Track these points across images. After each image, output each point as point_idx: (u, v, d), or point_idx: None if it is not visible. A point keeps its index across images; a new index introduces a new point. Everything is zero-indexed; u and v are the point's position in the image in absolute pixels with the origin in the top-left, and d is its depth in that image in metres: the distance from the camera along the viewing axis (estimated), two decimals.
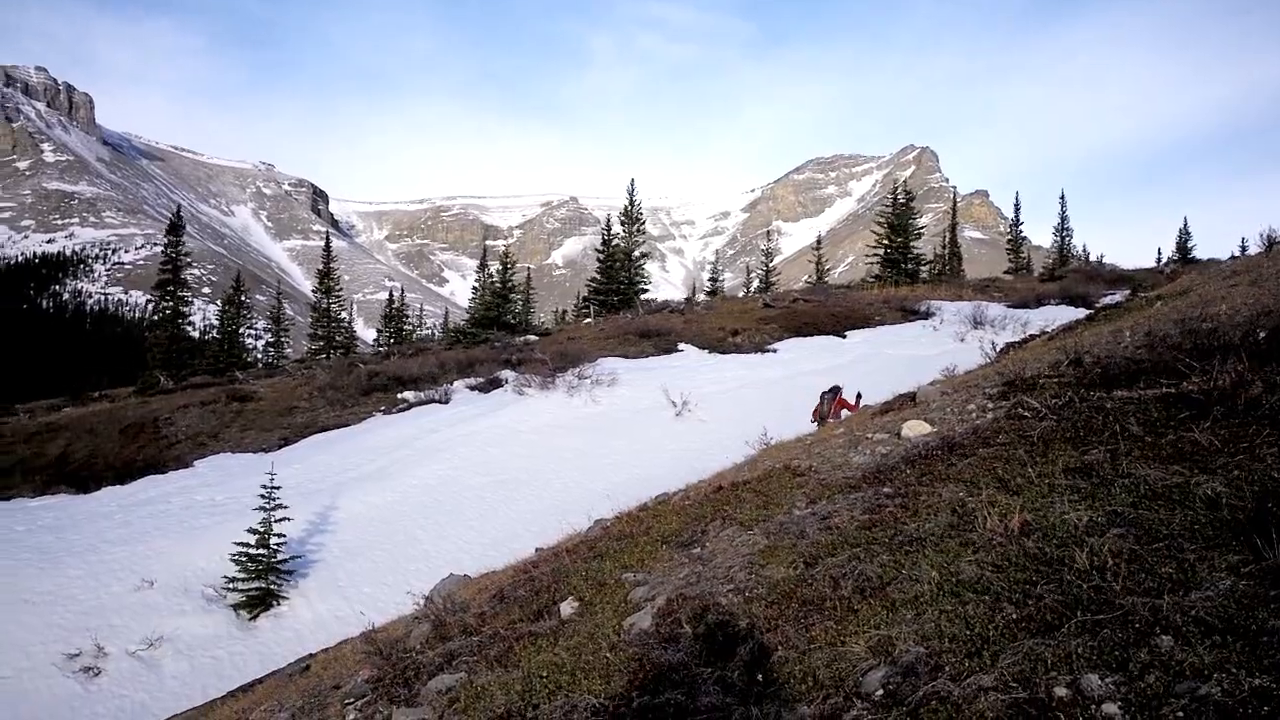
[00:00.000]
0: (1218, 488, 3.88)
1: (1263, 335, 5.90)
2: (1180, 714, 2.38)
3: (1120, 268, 49.88)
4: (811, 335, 31.64)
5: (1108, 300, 24.56)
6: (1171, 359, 6.01)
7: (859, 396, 13.51)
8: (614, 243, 50.02)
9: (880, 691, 3.07)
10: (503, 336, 37.20)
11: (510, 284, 43.65)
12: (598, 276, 50.40)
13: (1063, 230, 62.27)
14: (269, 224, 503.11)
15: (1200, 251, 57.88)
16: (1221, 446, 4.40)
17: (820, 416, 13.59)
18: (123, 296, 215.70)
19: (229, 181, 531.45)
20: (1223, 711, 2.33)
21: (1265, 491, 3.74)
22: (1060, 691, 2.67)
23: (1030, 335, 15.45)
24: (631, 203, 50.73)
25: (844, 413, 13.08)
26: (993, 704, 2.71)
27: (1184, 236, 59.95)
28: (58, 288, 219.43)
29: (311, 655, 10.03)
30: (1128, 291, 26.29)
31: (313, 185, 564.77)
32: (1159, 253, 65.84)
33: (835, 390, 14.16)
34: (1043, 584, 3.47)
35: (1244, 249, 40.99)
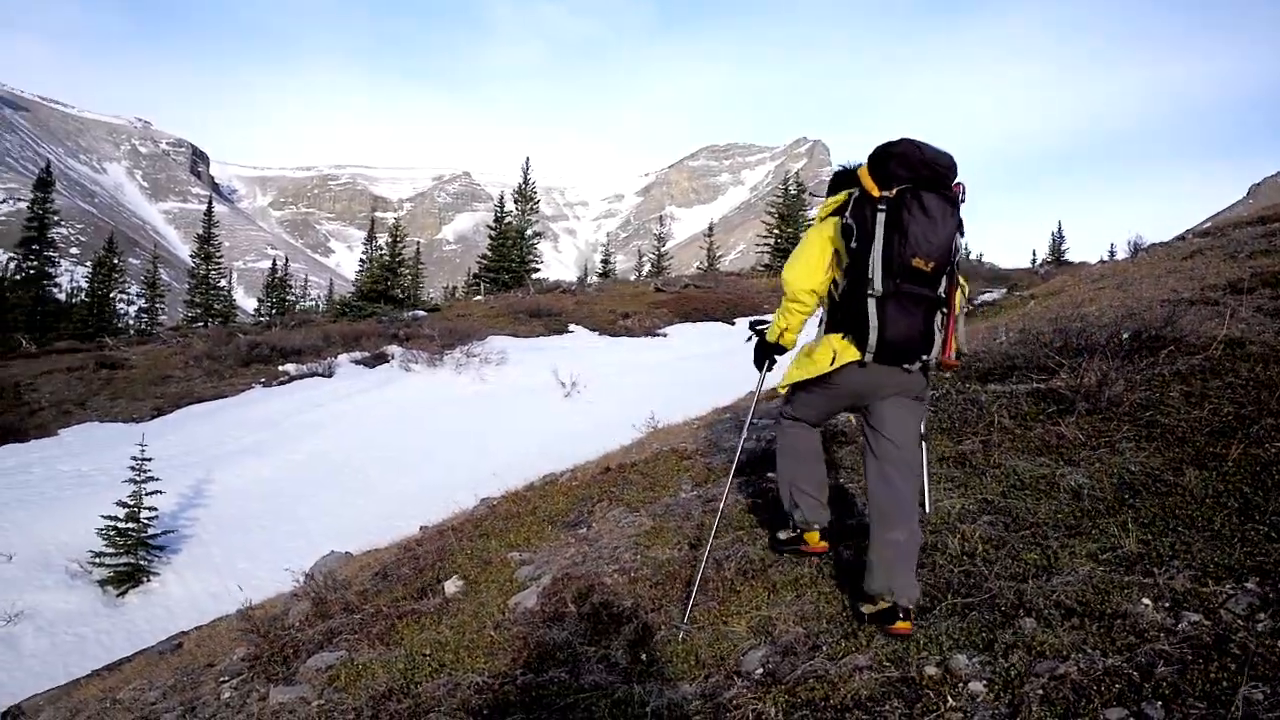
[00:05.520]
0: (1080, 479, 4.10)
1: (1126, 336, 6.23)
2: (1040, 691, 2.52)
3: (998, 267, 51.65)
4: (701, 321, 31.99)
5: (985, 298, 25.46)
6: (1043, 356, 6.30)
7: None
8: (507, 220, 49.62)
9: (760, 670, 3.15)
10: (390, 311, 36.51)
11: (399, 257, 42.76)
12: (489, 254, 49.92)
13: None
14: (144, 184, 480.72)
15: (1072, 254, 60.66)
16: (1085, 440, 4.64)
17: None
18: None
19: (101, 137, 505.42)
20: (1078, 689, 2.47)
21: (1123, 483, 3.97)
22: (930, 670, 2.79)
23: None
24: (526, 180, 50.38)
25: None
26: (867, 682, 2.82)
27: (1058, 239, 62.68)
28: None
29: (184, 633, 9.69)
30: (1004, 290, 27.29)
31: (193, 145, 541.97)
32: (1034, 254, 68.67)
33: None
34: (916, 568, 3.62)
35: (1112, 253, 43.09)
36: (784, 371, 3.91)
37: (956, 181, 3.36)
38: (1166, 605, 2.86)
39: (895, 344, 3.32)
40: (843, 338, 3.47)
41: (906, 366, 3.41)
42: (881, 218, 3.27)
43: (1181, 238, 15.46)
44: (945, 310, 3.41)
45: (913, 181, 3.26)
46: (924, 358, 3.39)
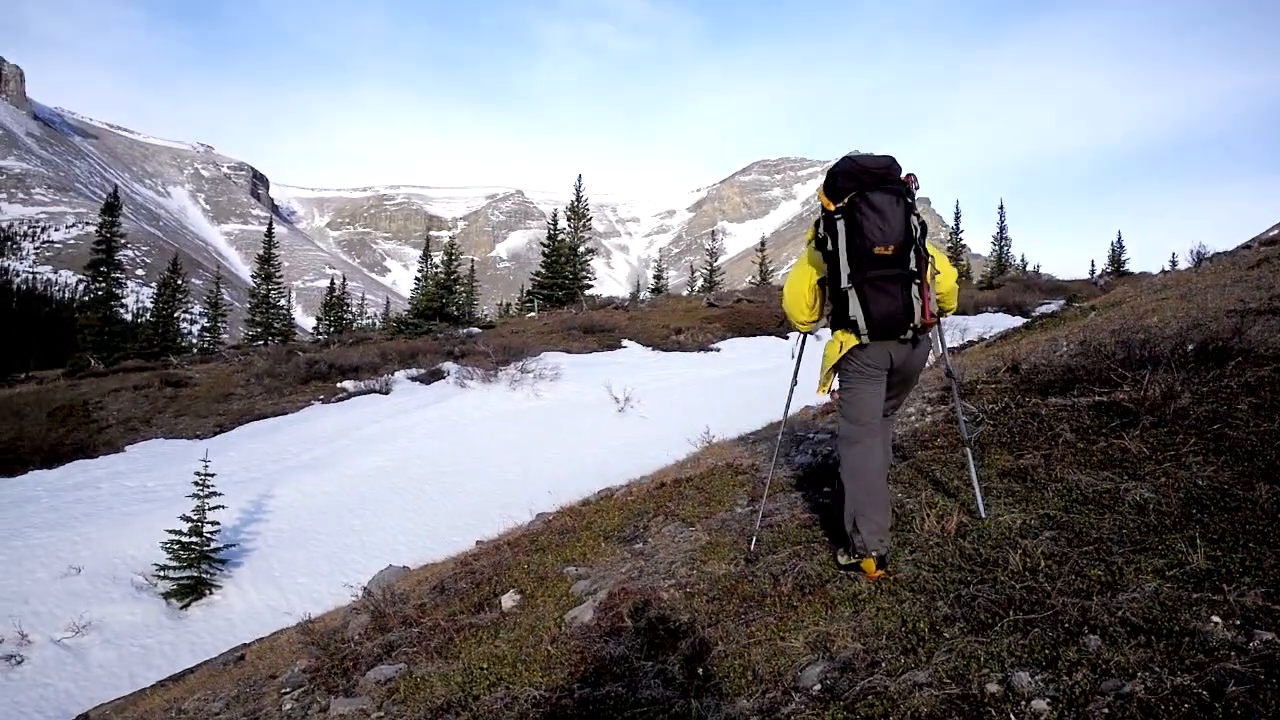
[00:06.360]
0: (1146, 494, 4.01)
1: (1191, 348, 6.09)
2: (1105, 710, 2.46)
3: (1056, 278, 50.81)
4: (754, 335, 31.89)
5: (1044, 309, 25.06)
6: (1105, 368, 6.18)
7: None
8: (559, 237, 50.01)
9: (818, 686, 3.13)
10: (445, 328, 36.88)
11: (454, 275, 43.21)
12: (542, 270, 50.34)
13: (1001, 239, 63.47)
14: (207, 207, 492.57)
15: (1133, 265, 59.46)
16: (1150, 454, 4.54)
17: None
18: (52, 276, 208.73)
19: (166, 162, 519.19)
20: (1145, 708, 2.42)
21: (1190, 498, 3.87)
22: (992, 688, 2.74)
23: (969, 341, 15.74)
24: (578, 198, 50.74)
25: None
26: (927, 699, 2.78)
27: (1117, 249, 61.47)
28: None
29: (246, 645, 9.87)
30: (1063, 301, 26.86)
31: (253, 169, 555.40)
32: (1093, 265, 67.40)
33: None
34: (976, 584, 3.56)
35: (1174, 264, 42.13)
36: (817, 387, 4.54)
37: (908, 174, 4.12)
38: (1237, 623, 2.79)
39: (881, 320, 4.02)
40: (844, 331, 4.19)
41: (902, 337, 4.11)
42: (841, 224, 4.06)
43: (1247, 246, 15.09)
44: (919, 282, 4.05)
45: (858, 188, 4.03)
46: (912, 324, 4.05)
